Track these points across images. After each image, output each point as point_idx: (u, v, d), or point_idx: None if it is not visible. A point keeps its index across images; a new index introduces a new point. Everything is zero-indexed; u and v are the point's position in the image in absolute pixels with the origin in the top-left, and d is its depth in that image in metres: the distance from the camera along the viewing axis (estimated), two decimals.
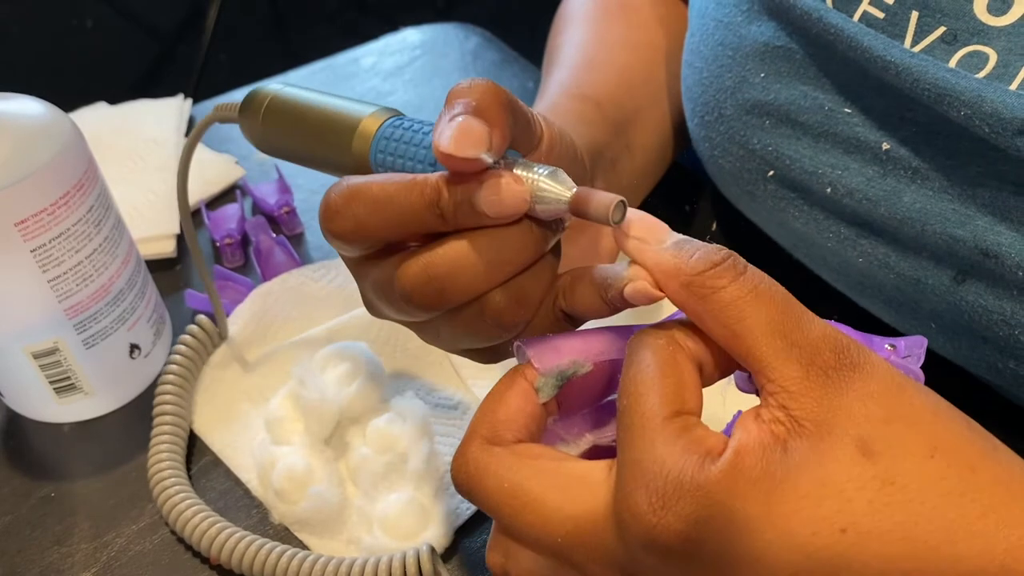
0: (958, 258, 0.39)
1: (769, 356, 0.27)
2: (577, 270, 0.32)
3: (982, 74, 0.37)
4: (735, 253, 0.29)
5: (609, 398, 0.33)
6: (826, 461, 0.26)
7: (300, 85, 0.38)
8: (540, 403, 0.31)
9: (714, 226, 0.57)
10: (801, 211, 0.45)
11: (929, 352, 0.44)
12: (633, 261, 0.30)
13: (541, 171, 0.30)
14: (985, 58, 0.37)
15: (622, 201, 0.29)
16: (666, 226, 0.30)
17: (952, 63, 0.37)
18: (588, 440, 0.32)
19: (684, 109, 0.52)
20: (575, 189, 0.30)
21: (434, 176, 0.30)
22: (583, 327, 0.33)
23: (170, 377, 0.48)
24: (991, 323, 0.39)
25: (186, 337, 0.50)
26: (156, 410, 0.47)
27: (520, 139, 0.33)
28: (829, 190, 0.43)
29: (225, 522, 0.43)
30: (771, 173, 0.45)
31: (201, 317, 0.50)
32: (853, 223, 0.43)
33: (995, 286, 0.38)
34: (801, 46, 0.43)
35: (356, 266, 0.34)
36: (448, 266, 0.30)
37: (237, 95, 0.73)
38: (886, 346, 0.32)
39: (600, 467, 0.29)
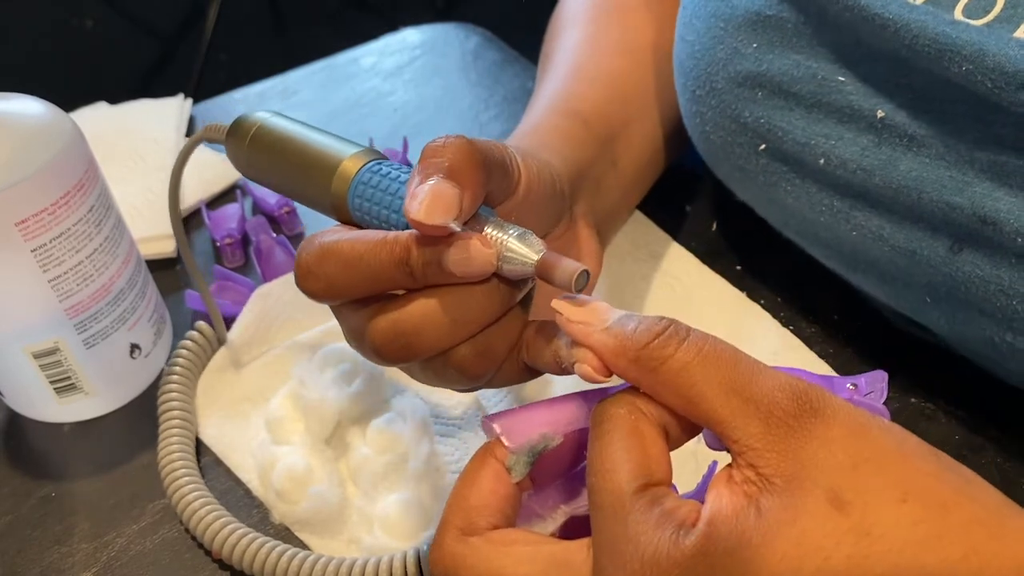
0: (955, 226, 0.38)
1: (728, 417, 0.27)
2: (538, 326, 0.33)
3: (990, 17, 0.36)
4: (676, 320, 0.29)
5: (581, 465, 0.33)
6: (800, 518, 0.26)
7: (288, 116, 0.38)
8: (513, 482, 0.31)
9: (714, 226, 0.57)
10: (793, 185, 0.44)
11: (925, 345, 0.44)
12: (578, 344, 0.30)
13: (512, 232, 0.31)
14: (992, 1, 0.36)
15: (585, 271, 0.30)
16: (606, 305, 0.30)
17: (958, 10, 0.37)
18: (564, 512, 0.32)
19: (676, 85, 0.51)
20: (542, 253, 0.30)
21: (404, 235, 0.31)
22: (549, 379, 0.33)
23: (174, 378, 0.48)
24: (988, 294, 0.38)
25: (186, 342, 0.50)
26: (161, 406, 0.47)
27: (496, 190, 0.34)
28: (822, 161, 0.42)
29: (230, 517, 0.43)
30: (763, 147, 0.45)
31: (201, 324, 0.50)
32: (847, 195, 0.42)
33: (993, 255, 0.37)
34: (793, 14, 0.42)
35: (334, 310, 0.35)
36: (415, 323, 0.31)
37: (237, 95, 0.73)
38: (848, 386, 0.32)
39: (578, 548, 0.29)
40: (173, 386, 0.48)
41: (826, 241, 0.45)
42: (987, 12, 0.36)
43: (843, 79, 0.41)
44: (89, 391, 0.48)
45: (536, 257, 0.30)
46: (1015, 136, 0.36)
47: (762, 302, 0.52)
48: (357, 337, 0.33)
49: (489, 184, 0.32)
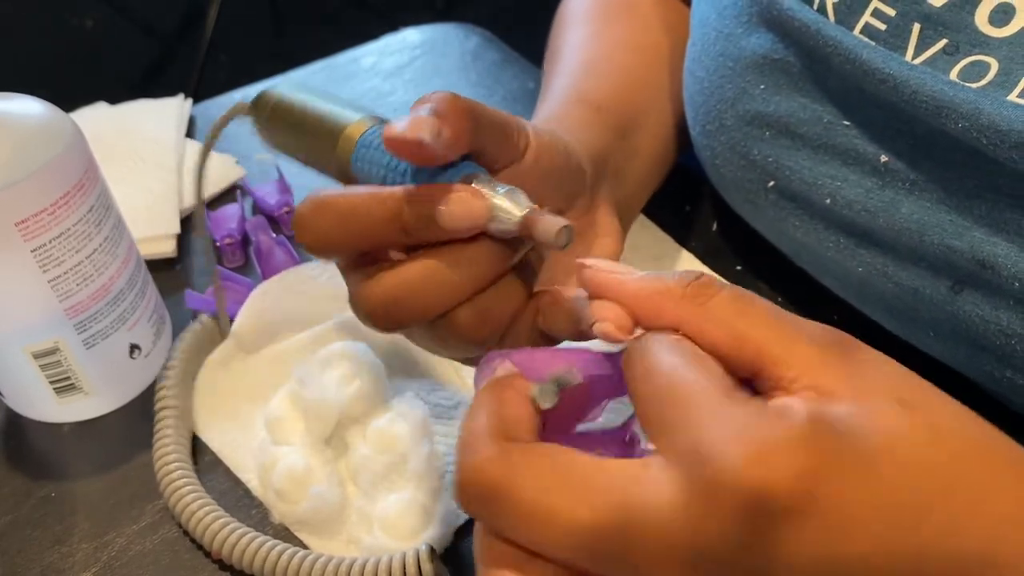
0: (955, 268, 0.39)
1: (782, 344, 0.26)
2: (556, 292, 0.33)
3: (983, 82, 0.37)
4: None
5: (580, 428, 0.31)
6: (875, 416, 0.25)
7: (309, 86, 0.38)
8: (543, 408, 0.29)
9: (714, 226, 0.57)
10: (802, 221, 0.45)
11: (931, 360, 0.45)
12: (597, 297, 0.29)
13: (499, 190, 0.31)
14: (987, 67, 0.37)
15: (568, 226, 0.29)
16: (630, 267, 0.30)
17: (953, 73, 0.38)
18: None
19: (686, 116, 0.52)
20: (527, 210, 0.30)
21: (398, 190, 0.31)
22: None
23: (170, 373, 0.48)
24: (988, 333, 0.39)
25: (186, 335, 0.50)
26: (157, 405, 0.47)
27: (495, 151, 0.34)
28: (828, 201, 0.43)
29: (228, 517, 0.43)
30: (771, 184, 0.46)
31: (204, 316, 0.51)
32: (852, 233, 0.43)
33: (992, 296, 0.38)
34: (798, 58, 0.43)
35: (341, 269, 0.34)
36: (407, 287, 0.31)
37: (237, 95, 0.73)
38: None
39: (633, 463, 0.26)
40: (169, 382, 0.48)
41: (835, 274, 0.46)
42: (981, 77, 0.37)
43: (848, 123, 0.42)
44: (89, 391, 0.48)
45: (520, 214, 0.30)
46: (1012, 186, 0.36)
47: None
48: (352, 304, 0.33)
49: (480, 138, 0.33)
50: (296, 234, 0.33)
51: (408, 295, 0.31)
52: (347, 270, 0.34)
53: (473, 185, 0.31)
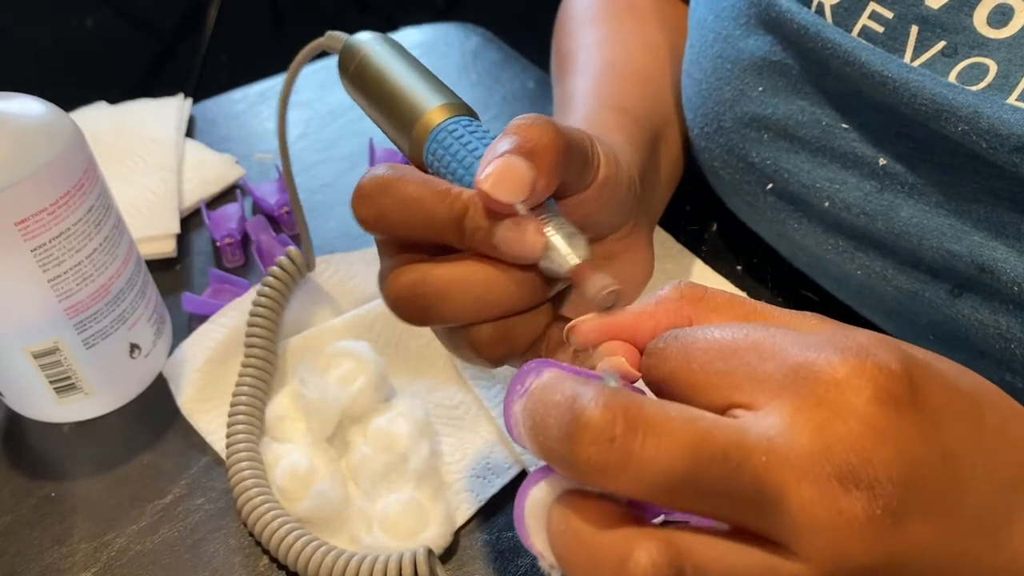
0: (954, 272, 0.39)
1: (786, 316, 0.27)
2: (561, 329, 0.32)
3: (982, 85, 0.37)
4: None
5: None
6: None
7: (398, 47, 0.38)
8: None
9: (714, 227, 0.57)
10: (800, 224, 0.45)
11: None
12: (599, 342, 0.29)
13: (563, 229, 0.30)
14: (985, 69, 0.37)
15: (616, 291, 0.29)
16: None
17: (952, 76, 0.37)
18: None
19: (686, 119, 0.52)
20: (580, 261, 0.30)
21: (468, 193, 0.31)
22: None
23: (260, 310, 0.49)
24: (987, 336, 0.39)
25: (274, 269, 0.50)
26: (247, 342, 0.48)
27: (572, 181, 0.33)
28: (827, 204, 0.43)
29: (271, 495, 0.44)
30: (770, 186, 0.46)
31: (291, 248, 0.51)
32: (851, 237, 0.43)
33: (991, 300, 0.38)
34: (797, 61, 0.43)
35: (380, 244, 0.34)
36: (438, 288, 0.31)
37: (237, 95, 0.73)
38: None
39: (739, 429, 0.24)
40: (258, 319, 0.49)
41: (834, 276, 0.46)
42: (980, 79, 0.37)
43: (846, 126, 0.42)
44: (89, 391, 0.48)
45: (574, 262, 0.30)
46: (1011, 190, 0.36)
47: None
48: (381, 280, 0.33)
49: (568, 173, 0.32)
50: (353, 203, 0.32)
51: (437, 296, 0.31)
52: (386, 247, 0.33)
53: (540, 218, 0.30)
